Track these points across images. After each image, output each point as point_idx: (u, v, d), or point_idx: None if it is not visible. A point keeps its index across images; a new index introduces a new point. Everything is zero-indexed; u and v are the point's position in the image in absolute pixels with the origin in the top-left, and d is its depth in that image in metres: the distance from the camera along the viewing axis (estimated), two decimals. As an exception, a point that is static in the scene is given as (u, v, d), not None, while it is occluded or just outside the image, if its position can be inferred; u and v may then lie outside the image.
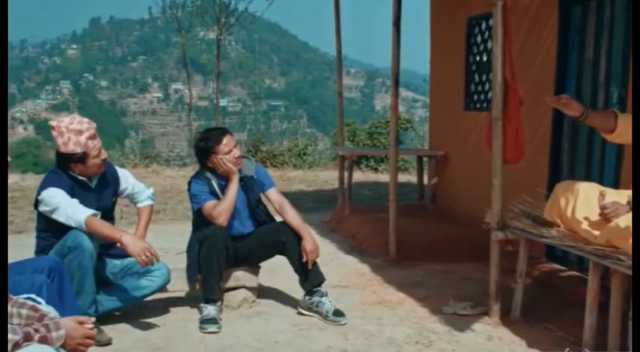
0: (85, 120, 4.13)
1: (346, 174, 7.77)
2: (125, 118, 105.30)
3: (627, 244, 3.28)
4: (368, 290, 5.06)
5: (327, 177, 12.00)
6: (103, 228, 3.90)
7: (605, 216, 3.54)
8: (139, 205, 4.58)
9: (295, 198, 9.54)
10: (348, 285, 5.18)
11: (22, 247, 4.83)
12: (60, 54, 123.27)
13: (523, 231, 4.20)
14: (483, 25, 6.70)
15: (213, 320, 4.20)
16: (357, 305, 4.65)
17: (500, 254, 4.82)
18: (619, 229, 3.41)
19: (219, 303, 4.35)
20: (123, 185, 4.43)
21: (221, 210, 4.35)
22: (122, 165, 14.53)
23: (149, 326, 4.22)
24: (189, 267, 4.48)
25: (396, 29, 5.74)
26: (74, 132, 4.01)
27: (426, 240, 6.17)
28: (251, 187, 4.56)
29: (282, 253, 4.55)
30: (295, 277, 4.59)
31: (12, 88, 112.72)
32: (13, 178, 10.61)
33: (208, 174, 4.50)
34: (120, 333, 4.08)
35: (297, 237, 4.46)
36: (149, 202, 4.61)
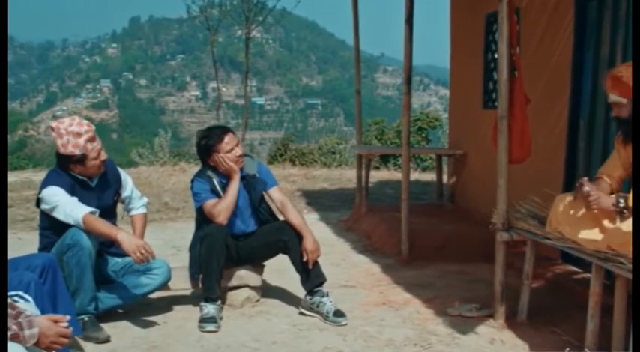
0: (85, 122, 4.15)
1: (364, 172, 7.71)
2: (164, 116, 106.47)
3: (629, 249, 3.18)
4: (375, 290, 5.01)
5: (352, 176, 11.92)
6: (100, 225, 3.91)
7: (589, 203, 3.46)
8: (133, 213, 4.55)
9: (317, 197, 9.55)
10: (355, 285, 5.13)
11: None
12: (100, 53, 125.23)
13: (528, 232, 4.10)
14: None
15: (213, 319, 4.19)
16: (361, 305, 4.60)
17: (515, 255, 4.76)
18: (621, 234, 3.31)
19: (219, 302, 4.34)
20: (123, 185, 4.44)
21: (221, 208, 4.33)
22: (151, 163, 14.74)
23: (149, 324, 4.22)
24: (191, 266, 4.48)
25: (408, 26, 5.67)
26: (73, 134, 4.04)
27: (439, 240, 6.09)
28: (253, 186, 4.54)
29: (284, 252, 4.52)
30: (298, 280, 4.57)
31: (54, 87, 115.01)
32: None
33: (210, 173, 4.50)
34: (120, 330, 4.09)
35: (299, 237, 4.42)
36: (143, 210, 4.59)
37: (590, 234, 3.54)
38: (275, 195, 4.61)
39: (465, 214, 7.03)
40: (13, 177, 12.03)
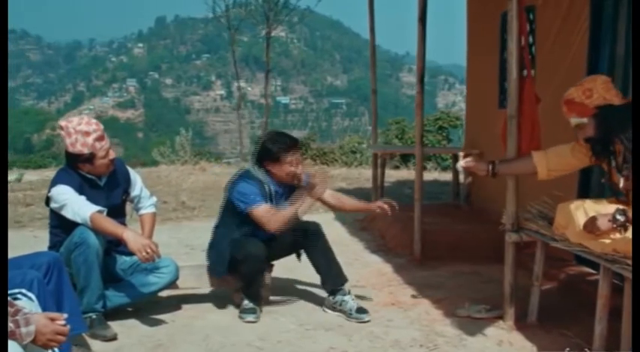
0: (94, 121, 4.17)
1: (379, 171, 7.68)
2: (189, 116, 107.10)
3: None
4: (385, 290, 4.98)
5: (370, 175, 11.88)
6: (107, 224, 3.93)
7: (590, 232, 3.45)
8: (142, 212, 4.55)
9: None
10: (365, 285, 5.10)
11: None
12: (127, 53, 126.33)
13: (537, 233, 4.05)
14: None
15: (253, 310, 4.28)
16: (370, 305, 4.56)
17: (529, 256, 4.70)
18: (627, 240, 3.26)
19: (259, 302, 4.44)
20: (132, 184, 4.45)
21: (278, 219, 4.23)
22: (172, 162, 14.83)
23: (157, 323, 4.23)
24: (217, 263, 4.44)
25: (421, 25, 5.63)
26: (81, 133, 4.06)
27: (453, 241, 6.04)
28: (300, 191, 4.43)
29: (305, 250, 4.52)
30: (313, 277, 4.58)
31: (81, 86, 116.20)
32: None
33: (262, 176, 4.37)
34: (127, 329, 4.11)
35: (319, 238, 4.46)
36: (152, 210, 4.57)
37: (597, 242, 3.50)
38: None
39: (481, 214, 6.96)
40: (34, 176, 12.18)
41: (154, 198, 4.64)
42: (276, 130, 4.57)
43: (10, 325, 2.43)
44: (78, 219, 3.94)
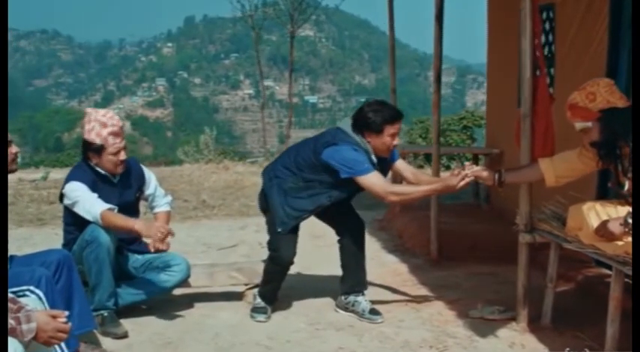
0: (116, 118, 4.22)
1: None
2: (217, 115, 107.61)
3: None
4: (399, 290, 4.95)
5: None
6: (117, 220, 3.97)
7: (602, 237, 3.41)
8: (157, 210, 4.53)
9: (356, 196, 9.49)
10: (379, 285, 5.08)
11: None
12: (156, 52, 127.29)
13: (550, 234, 4.00)
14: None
15: (264, 310, 4.29)
16: (383, 306, 4.53)
17: (546, 257, 4.64)
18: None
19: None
20: (147, 183, 4.47)
21: (402, 192, 4.10)
22: (196, 161, 14.90)
23: (168, 321, 4.26)
24: (288, 217, 4.23)
25: (438, 23, 5.59)
26: (99, 123, 4.12)
27: (470, 241, 5.99)
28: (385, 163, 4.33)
29: (341, 241, 4.51)
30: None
31: (111, 86, 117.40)
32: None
33: (364, 145, 4.16)
34: (139, 326, 4.14)
35: (359, 236, 4.49)
36: (167, 208, 4.55)
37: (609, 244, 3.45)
38: (401, 166, 4.42)
39: (501, 215, 6.88)
40: (60, 174, 12.29)
41: (169, 197, 4.64)
42: (379, 100, 4.36)
43: (12, 322, 2.45)
44: (89, 217, 3.98)
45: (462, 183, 3.94)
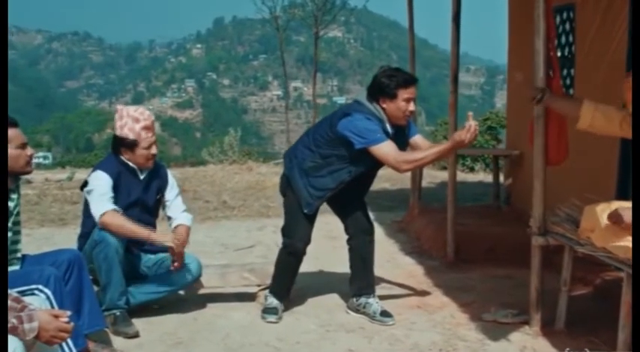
0: (147, 113, 4.27)
1: (418, 172, 7.60)
2: (246, 116, 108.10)
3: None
4: (412, 292, 4.92)
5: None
6: (124, 222, 3.99)
7: (615, 224, 3.35)
8: (178, 222, 4.33)
9: (375, 197, 9.43)
10: (393, 287, 5.05)
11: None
12: (185, 53, 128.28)
13: (563, 236, 3.95)
14: (558, 18, 6.35)
15: (274, 310, 4.28)
16: (395, 307, 4.51)
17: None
18: None
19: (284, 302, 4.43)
20: (169, 186, 4.43)
21: (414, 159, 4.03)
22: (220, 162, 14.96)
23: (180, 320, 4.28)
24: (312, 197, 4.24)
25: (455, 25, 5.55)
26: (132, 118, 4.17)
27: (488, 243, 5.93)
28: (403, 134, 4.28)
29: (350, 241, 4.50)
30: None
31: (141, 87, 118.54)
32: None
33: (379, 114, 4.10)
34: (150, 326, 4.16)
35: (366, 237, 4.48)
36: (188, 222, 4.36)
37: (620, 242, 3.39)
38: (420, 141, 4.33)
39: (521, 216, 6.80)
40: (85, 175, 12.43)
41: (191, 216, 4.48)
42: (393, 67, 4.29)
43: (14, 321, 2.48)
44: (93, 210, 4.03)
45: (469, 134, 3.85)
